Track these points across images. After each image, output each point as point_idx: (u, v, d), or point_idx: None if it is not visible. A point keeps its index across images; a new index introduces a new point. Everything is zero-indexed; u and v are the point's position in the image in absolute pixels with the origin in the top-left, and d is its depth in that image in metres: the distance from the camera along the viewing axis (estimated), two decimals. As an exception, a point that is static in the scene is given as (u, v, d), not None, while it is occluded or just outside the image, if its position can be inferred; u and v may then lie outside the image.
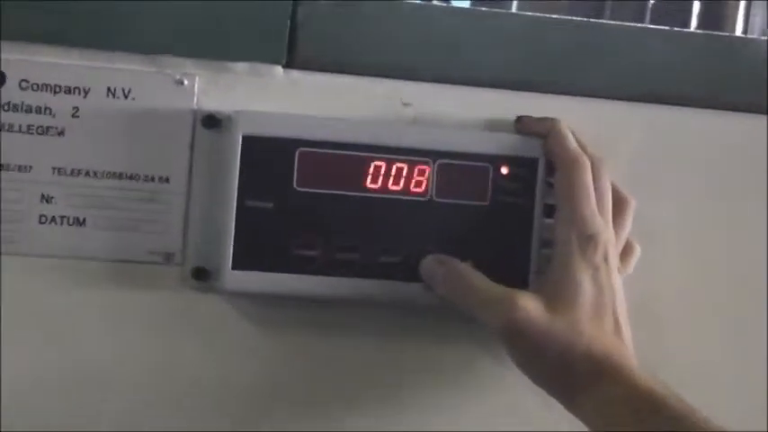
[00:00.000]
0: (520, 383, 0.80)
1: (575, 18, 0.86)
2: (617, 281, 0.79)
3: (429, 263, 0.81)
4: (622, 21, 0.88)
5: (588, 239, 0.78)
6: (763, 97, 0.87)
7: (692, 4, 0.99)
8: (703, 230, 0.89)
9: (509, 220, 0.82)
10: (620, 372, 0.75)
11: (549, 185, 0.83)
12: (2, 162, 0.79)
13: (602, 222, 0.79)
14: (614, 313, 0.78)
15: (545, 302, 0.77)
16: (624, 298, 0.79)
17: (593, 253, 0.78)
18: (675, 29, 0.88)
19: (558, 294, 0.77)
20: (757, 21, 1.03)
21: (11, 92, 0.79)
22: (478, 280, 0.79)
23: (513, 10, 1.05)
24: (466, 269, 0.80)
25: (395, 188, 0.81)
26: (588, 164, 0.80)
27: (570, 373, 0.76)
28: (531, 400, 0.84)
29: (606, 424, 0.74)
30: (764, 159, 0.88)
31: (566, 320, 0.76)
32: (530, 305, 0.76)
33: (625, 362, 0.76)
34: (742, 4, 1.01)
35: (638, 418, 0.73)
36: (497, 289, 0.78)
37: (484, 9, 0.84)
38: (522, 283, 0.81)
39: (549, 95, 0.85)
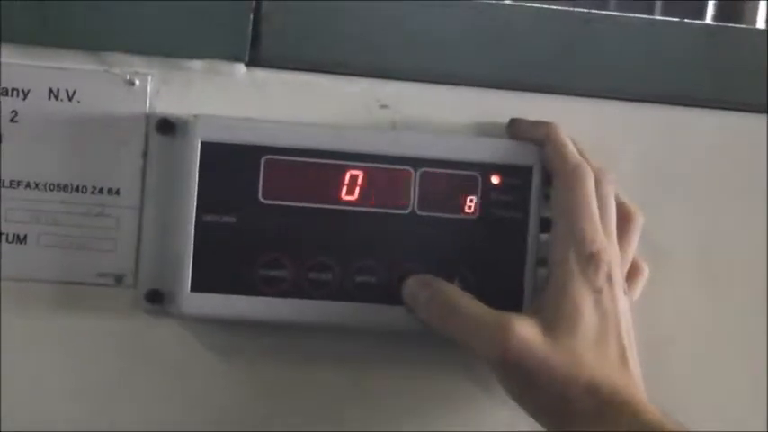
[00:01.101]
0: (514, 418, 0.72)
1: (571, 9, 0.77)
2: (623, 305, 0.71)
3: (411, 284, 0.72)
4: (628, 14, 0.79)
5: (589, 258, 0.70)
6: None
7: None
8: (717, 244, 0.81)
9: (500, 235, 0.74)
10: (627, 408, 0.67)
11: (546, 197, 0.74)
12: (-69, 173, 0.71)
13: (604, 239, 0.71)
14: (619, 341, 0.70)
15: (542, 329, 0.68)
16: (632, 324, 0.71)
17: (594, 274, 0.69)
18: (684, 20, 0.79)
19: (557, 320, 0.69)
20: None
21: (-59, 94, 0.71)
22: (467, 302, 0.71)
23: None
24: (453, 291, 0.72)
25: (372, 200, 0.73)
26: (590, 174, 0.72)
27: (570, 408, 0.68)
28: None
29: None
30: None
31: (565, 349, 0.68)
32: (527, 332, 0.68)
33: (632, 397, 0.68)
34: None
35: None
36: (489, 313, 0.70)
37: (471, 0, 0.75)
38: (515, 307, 0.73)
39: (545, 95, 0.77)
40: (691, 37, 0.79)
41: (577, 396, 0.67)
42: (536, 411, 0.70)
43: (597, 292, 0.69)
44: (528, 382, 0.68)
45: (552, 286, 0.70)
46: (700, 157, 0.81)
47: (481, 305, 0.70)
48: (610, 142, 0.78)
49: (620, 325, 0.70)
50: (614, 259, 0.71)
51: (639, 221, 0.75)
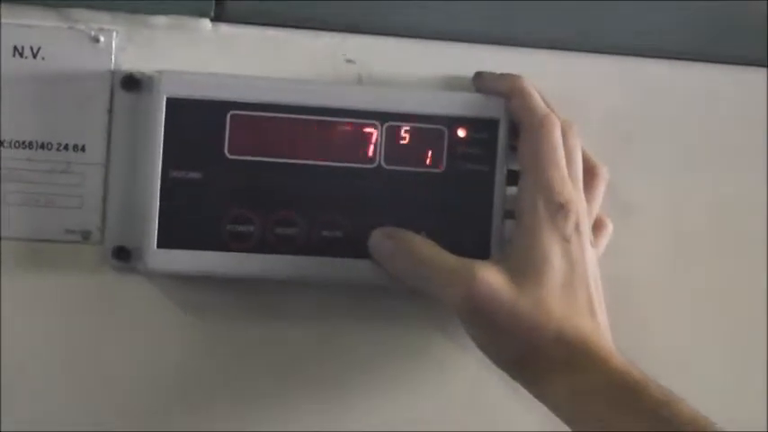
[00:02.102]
0: (481, 369, 0.72)
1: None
2: (590, 255, 0.71)
3: (375, 236, 0.72)
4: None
5: (558, 208, 0.70)
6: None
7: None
8: (690, 204, 0.81)
9: (467, 188, 0.74)
10: (596, 358, 0.67)
11: (512, 149, 0.74)
12: None
13: (573, 189, 0.71)
14: (587, 290, 0.70)
15: (509, 276, 0.68)
16: (599, 275, 0.71)
17: (563, 223, 0.69)
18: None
19: (524, 268, 0.69)
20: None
21: None
22: (431, 251, 0.71)
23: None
24: (418, 241, 0.72)
25: (338, 155, 0.73)
26: (558, 125, 0.72)
27: (538, 357, 0.68)
28: (493, 387, 0.76)
29: (579, 414, 0.67)
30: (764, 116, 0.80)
31: (533, 297, 0.68)
32: (492, 278, 0.68)
33: (600, 346, 0.68)
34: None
35: (616, 408, 0.65)
36: (454, 260, 0.70)
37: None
38: (485, 255, 0.73)
39: (512, 48, 0.76)
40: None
41: (545, 344, 0.67)
42: (502, 360, 0.70)
43: (566, 241, 0.69)
44: (494, 330, 0.68)
45: (520, 235, 0.70)
46: (672, 110, 0.80)
47: (446, 253, 0.70)
48: (579, 95, 0.78)
49: (587, 274, 0.70)
50: (582, 210, 0.71)
51: (605, 176, 0.75)
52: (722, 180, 0.81)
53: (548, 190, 0.70)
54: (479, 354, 0.70)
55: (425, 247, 0.71)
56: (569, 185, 0.71)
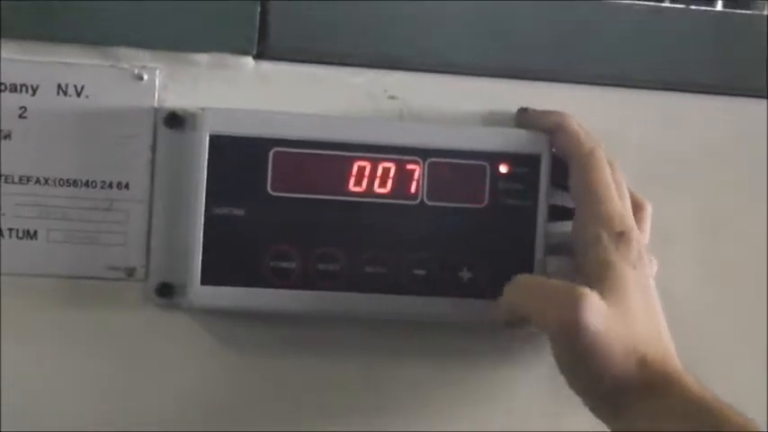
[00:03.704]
0: (523, 406, 0.72)
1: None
2: (653, 283, 0.71)
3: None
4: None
5: (620, 236, 0.70)
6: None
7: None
8: (721, 228, 0.81)
9: (509, 223, 0.74)
10: (675, 381, 0.68)
11: (554, 186, 0.74)
12: (-59, 169, 0.71)
13: (632, 218, 0.71)
14: (659, 316, 0.71)
15: (608, 303, 0.68)
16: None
17: (627, 251, 0.70)
18: (691, 6, 0.79)
19: (608, 296, 0.68)
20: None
21: (-51, 91, 0.71)
22: (539, 277, 0.73)
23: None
24: (524, 274, 0.73)
25: (381, 191, 0.73)
26: (605, 158, 0.72)
27: (621, 379, 0.68)
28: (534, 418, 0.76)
29: None
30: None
31: (623, 323, 0.68)
32: (597, 300, 0.67)
33: (677, 370, 0.69)
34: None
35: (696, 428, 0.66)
36: (564, 284, 0.69)
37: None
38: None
39: (550, 84, 0.77)
40: (695, 24, 0.79)
41: (630, 368, 0.67)
42: (583, 383, 0.69)
43: (633, 268, 0.69)
44: (587, 351, 0.67)
45: (592, 264, 0.70)
46: (703, 143, 0.81)
47: (550, 279, 0.71)
48: (614, 129, 0.78)
49: (656, 301, 0.70)
50: (641, 238, 0.71)
51: (649, 210, 0.75)
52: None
53: (608, 219, 0.70)
54: (517, 387, 0.70)
55: (539, 276, 0.73)
56: (628, 213, 0.71)
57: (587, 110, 0.76)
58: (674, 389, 0.67)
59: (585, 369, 0.68)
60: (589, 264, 0.70)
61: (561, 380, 0.69)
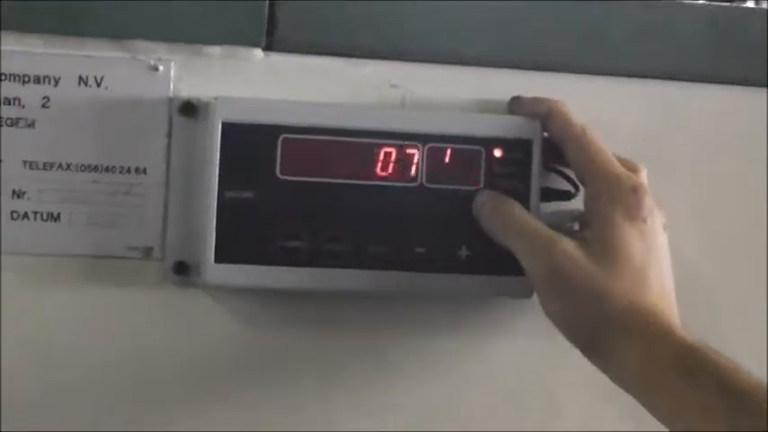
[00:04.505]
0: (514, 372, 0.76)
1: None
2: (664, 240, 0.75)
3: (481, 196, 0.78)
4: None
5: (632, 191, 0.74)
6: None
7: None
8: (713, 213, 0.85)
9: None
10: (665, 329, 0.71)
11: (545, 169, 0.79)
12: (-30, 156, 0.75)
13: (638, 177, 0.75)
14: (661, 273, 0.74)
15: (588, 252, 0.72)
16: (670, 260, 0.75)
17: (638, 205, 0.73)
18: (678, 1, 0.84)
19: (602, 248, 0.73)
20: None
21: (-22, 82, 0.75)
22: (525, 218, 0.76)
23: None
24: (516, 206, 0.77)
25: (383, 174, 0.78)
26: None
27: (610, 326, 0.71)
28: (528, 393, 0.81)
29: (649, 383, 0.70)
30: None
31: (608, 270, 0.72)
32: (572, 249, 0.72)
33: (669, 320, 0.72)
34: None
35: (685, 376, 0.68)
36: (543, 229, 0.74)
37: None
38: (519, 270, 0.77)
39: (543, 73, 0.81)
40: (692, 17, 0.83)
41: (616, 314, 0.71)
42: (574, 331, 0.73)
43: (642, 221, 0.73)
44: (568, 296, 0.72)
45: (598, 224, 0.74)
46: (699, 130, 0.85)
47: (537, 222, 0.75)
48: (608, 118, 0.82)
49: (662, 257, 0.74)
50: (651, 195, 0.75)
51: (645, 172, 0.79)
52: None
53: (616, 180, 0.74)
54: (516, 359, 0.75)
55: (520, 213, 0.76)
56: (633, 174, 0.75)
57: (579, 98, 0.80)
58: (665, 336, 0.70)
59: (569, 314, 0.73)
60: (596, 222, 0.74)
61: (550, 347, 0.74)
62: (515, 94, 0.80)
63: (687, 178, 0.85)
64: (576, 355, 0.73)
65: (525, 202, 0.79)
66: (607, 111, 0.82)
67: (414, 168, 0.78)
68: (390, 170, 0.77)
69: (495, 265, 0.77)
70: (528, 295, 0.78)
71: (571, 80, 0.82)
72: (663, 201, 0.76)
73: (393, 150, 0.77)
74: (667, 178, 0.83)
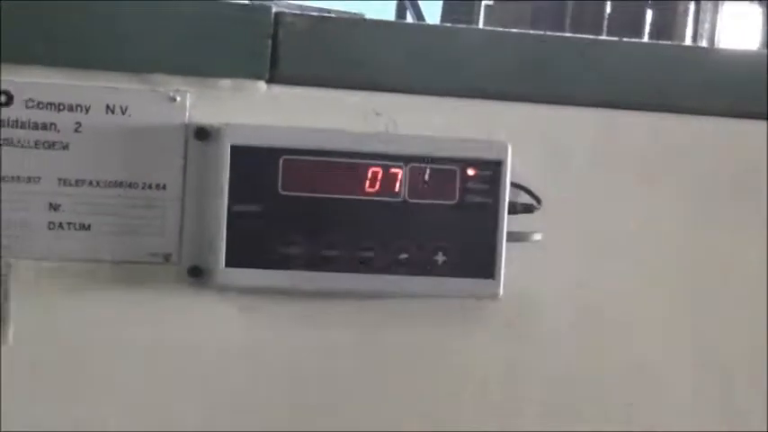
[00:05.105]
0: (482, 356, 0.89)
1: (531, 32, 0.94)
2: None
3: None
4: (582, 30, 0.96)
5: None
6: (711, 99, 0.96)
7: (646, 13, 1.07)
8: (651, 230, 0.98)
9: (476, 217, 0.91)
10: None
11: (512, 185, 0.91)
12: (11, 175, 0.87)
13: None
14: None
15: None
16: None
17: None
18: (625, 39, 0.96)
19: None
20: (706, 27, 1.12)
21: (18, 110, 0.87)
22: None
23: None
24: None
25: (370, 190, 0.89)
26: None
27: None
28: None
29: None
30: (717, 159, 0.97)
31: None
32: None
33: None
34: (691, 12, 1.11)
35: None
36: None
37: (448, 25, 0.92)
38: (489, 275, 0.89)
39: (507, 103, 0.93)
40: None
41: None
42: None
43: None
44: None
45: None
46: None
47: None
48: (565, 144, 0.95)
49: None
50: None
51: None
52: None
53: None
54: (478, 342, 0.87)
55: None
56: None
57: (542, 124, 0.93)
58: None
59: None
60: None
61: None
62: (479, 119, 0.92)
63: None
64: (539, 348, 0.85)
65: (495, 214, 0.91)
66: (563, 137, 0.94)
67: (398, 185, 0.90)
68: (377, 187, 0.90)
69: (467, 269, 0.89)
70: (495, 296, 0.90)
71: (531, 109, 0.94)
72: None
73: (379, 170, 0.89)
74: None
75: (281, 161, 0.88)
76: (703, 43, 1.04)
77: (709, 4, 1.02)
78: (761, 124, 0.97)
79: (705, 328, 0.99)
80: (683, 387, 0.99)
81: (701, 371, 0.99)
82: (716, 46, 0.96)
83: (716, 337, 0.99)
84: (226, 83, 0.89)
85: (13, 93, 0.87)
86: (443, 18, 1.02)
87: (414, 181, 0.90)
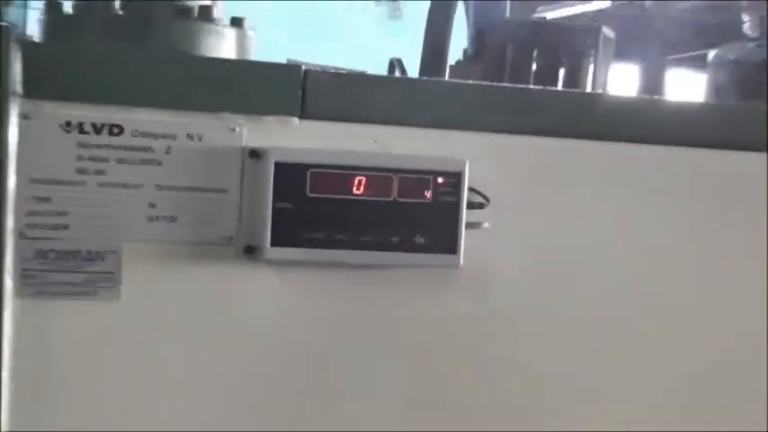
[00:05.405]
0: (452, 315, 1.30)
1: (479, 84, 1.35)
2: None
3: None
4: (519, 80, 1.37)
5: None
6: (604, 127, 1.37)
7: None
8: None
9: (444, 211, 1.31)
10: None
11: (469, 189, 1.31)
12: (123, 183, 1.26)
13: None
14: None
15: None
16: None
17: None
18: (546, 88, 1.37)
19: None
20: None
21: (127, 138, 1.26)
22: None
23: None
24: None
25: (371, 192, 1.29)
26: None
27: None
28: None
29: None
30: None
31: None
32: None
33: None
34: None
35: None
36: None
37: (425, 79, 1.33)
38: (453, 251, 1.29)
39: (466, 132, 1.34)
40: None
41: None
42: None
43: None
44: None
45: None
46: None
47: None
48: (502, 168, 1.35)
49: None
50: None
51: None
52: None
53: None
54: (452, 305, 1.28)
55: None
56: None
57: (483, 151, 1.34)
58: None
59: None
60: None
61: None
62: (446, 143, 1.32)
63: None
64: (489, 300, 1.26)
65: (457, 210, 1.31)
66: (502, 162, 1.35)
67: (390, 189, 1.29)
68: (376, 191, 1.29)
69: (438, 247, 1.29)
70: (456, 266, 1.30)
71: (478, 136, 1.35)
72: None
73: (378, 179, 1.29)
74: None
75: (308, 173, 1.28)
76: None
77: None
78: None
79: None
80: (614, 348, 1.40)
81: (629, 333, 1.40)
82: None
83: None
84: (270, 118, 1.29)
85: (123, 126, 1.26)
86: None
87: (401, 186, 1.30)
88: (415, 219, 1.31)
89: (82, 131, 1.25)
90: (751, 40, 1.63)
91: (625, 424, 1.40)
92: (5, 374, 1.22)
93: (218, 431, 1.31)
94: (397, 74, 1.59)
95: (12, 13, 1.49)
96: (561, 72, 1.44)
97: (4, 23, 1.20)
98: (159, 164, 1.27)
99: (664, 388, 1.42)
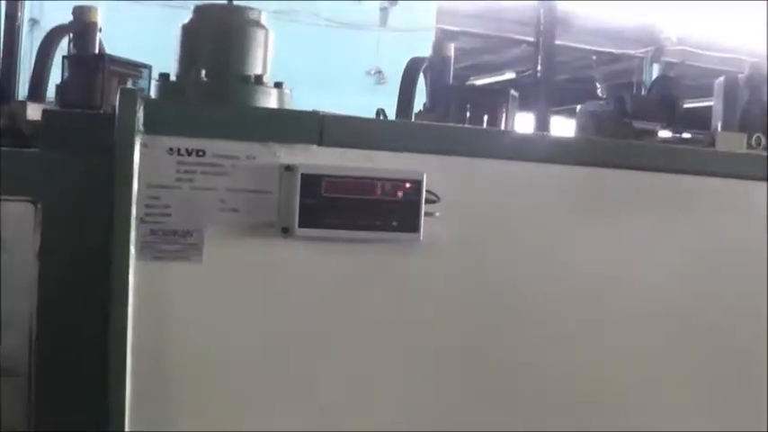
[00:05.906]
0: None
1: (431, 123, 2.08)
2: None
3: None
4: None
5: None
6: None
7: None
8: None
9: (409, 204, 2.02)
10: None
11: (426, 191, 2.03)
12: (204, 187, 1.96)
13: None
14: None
15: None
16: None
17: None
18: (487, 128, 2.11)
19: None
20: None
21: (209, 158, 1.96)
22: None
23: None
24: None
25: (364, 193, 2.00)
26: None
27: None
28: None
29: None
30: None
31: None
32: None
33: None
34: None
35: None
36: None
37: (404, 120, 2.06)
38: (416, 231, 2.01)
39: (426, 155, 2.06)
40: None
41: None
42: None
43: None
44: None
45: None
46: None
47: None
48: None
49: None
50: None
51: None
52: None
53: None
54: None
55: None
56: None
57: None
58: None
59: None
60: None
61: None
62: (413, 162, 2.04)
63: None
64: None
65: (418, 204, 2.02)
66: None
67: (375, 191, 2.01)
68: (368, 192, 2.00)
69: (406, 228, 2.01)
70: (417, 240, 2.01)
71: (437, 158, 2.08)
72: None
73: (368, 183, 2.00)
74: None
75: (323, 180, 1.99)
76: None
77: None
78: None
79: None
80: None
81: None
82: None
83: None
84: (297, 145, 2.00)
85: (206, 150, 1.96)
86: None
87: (383, 189, 2.01)
88: (391, 210, 2.02)
89: (179, 154, 1.95)
90: (601, 99, 2.53)
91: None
92: (131, 311, 1.91)
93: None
94: (382, 117, 2.34)
95: (140, 82, 2.23)
96: (485, 118, 2.20)
97: (134, 88, 1.91)
98: (227, 175, 1.98)
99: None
